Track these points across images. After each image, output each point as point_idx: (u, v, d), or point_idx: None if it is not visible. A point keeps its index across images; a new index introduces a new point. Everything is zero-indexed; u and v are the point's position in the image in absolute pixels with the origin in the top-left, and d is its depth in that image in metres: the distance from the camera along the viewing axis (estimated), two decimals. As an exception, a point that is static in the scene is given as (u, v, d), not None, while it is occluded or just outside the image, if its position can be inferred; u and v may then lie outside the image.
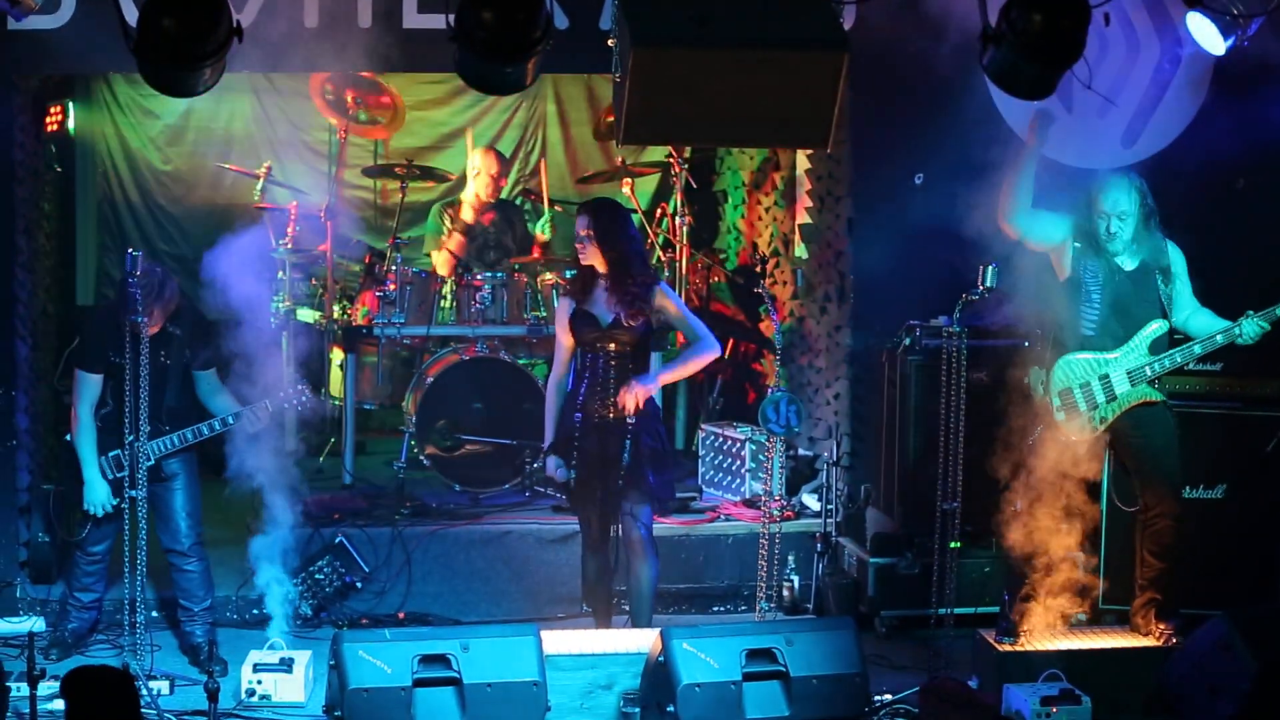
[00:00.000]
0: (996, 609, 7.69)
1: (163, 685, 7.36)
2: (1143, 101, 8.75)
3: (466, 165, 10.42)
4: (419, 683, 6.80)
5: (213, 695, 6.61)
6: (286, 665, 7.39)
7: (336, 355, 10.10)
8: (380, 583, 8.56)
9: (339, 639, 6.87)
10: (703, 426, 9.71)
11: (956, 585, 7.73)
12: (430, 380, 9.47)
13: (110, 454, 7.69)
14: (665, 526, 8.59)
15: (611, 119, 9.56)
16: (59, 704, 6.22)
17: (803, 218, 9.70)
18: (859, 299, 8.95)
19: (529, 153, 11.75)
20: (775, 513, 8.06)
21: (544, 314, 9.64)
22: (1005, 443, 7.56)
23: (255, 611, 8.28)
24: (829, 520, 8.80)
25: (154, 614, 8.21)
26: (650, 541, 7.58)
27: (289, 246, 10.11)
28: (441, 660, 6.85)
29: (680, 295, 9.96)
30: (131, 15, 6.28)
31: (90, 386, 7.67)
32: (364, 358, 9.98)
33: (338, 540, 8.54)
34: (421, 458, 9.42)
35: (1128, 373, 7.48)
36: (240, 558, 8.17)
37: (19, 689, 6.91)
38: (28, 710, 6.54)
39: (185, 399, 7.77)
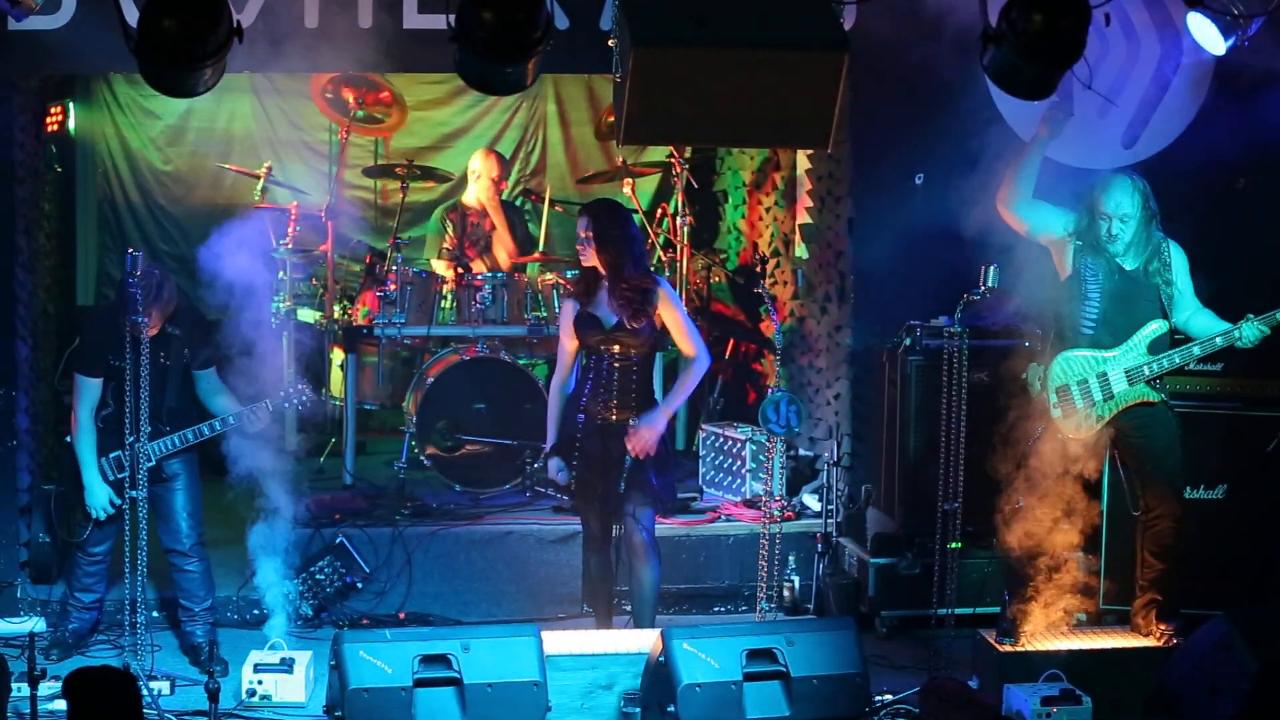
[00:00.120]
0: (997, 609, 7.69)
1: (163, 685, 7.36)
2: (1143, 102, 8.75)
3: (467, 168, 10.43)
4: (420, 683, 6.80)
5: (213, 695, 6.61)
6: (287, 665, 7.39)
7: (337, 355, 10.10)
8: (381, 583, 8.56)
9: (340, 639, 6.87)
10: (703, 427, 9.71)
11: (957, 585, 7.73)
12: (431, 380, 9.47)
13: (111, 455, 7.69)
14: (666, 527, 8.59)
15: (612, 119, 9.57)
16: (60, 704, 6.24)
17: (803, 218, 9.70)
18: (859, 299, 8.95)
19: (529, 153, 11.77)
20: (776, 513, 8.05)
21: (544, 314, 9.64)
22: (1006, 443, 7.56)
23: (256, 611, 8.28)
24: (829, 520, 8.80)
25: (155, 614, 8.22)
26: (652, 543, 7.58)
27: (289, 246, 10.12)
28: (442, 660, 6.85)
29: (680, 295, 9.97)
30: (132, 15, 6.29)
31: (90, 390, 7.67)
32: (364, 358, 9.99)
33: (338, 540, 8.54)
34: (422, 458, 9.42)
35: (1126, 372, 7.48)
36: (241, 558, 8.17)
37: (20, 689, 6.91)
38: (28, 710, 6.54)
39: (185, 399, 7.77)
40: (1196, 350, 7.48)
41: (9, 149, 8.43)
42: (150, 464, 7.61)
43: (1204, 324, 7.51)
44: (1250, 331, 7.38)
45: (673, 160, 10.44)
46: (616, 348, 7.50)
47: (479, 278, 9.72)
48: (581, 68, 9.90)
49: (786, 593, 8.63)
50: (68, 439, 7.83)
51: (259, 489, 7.85)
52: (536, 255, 10.31)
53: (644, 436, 7.42)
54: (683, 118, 6.20)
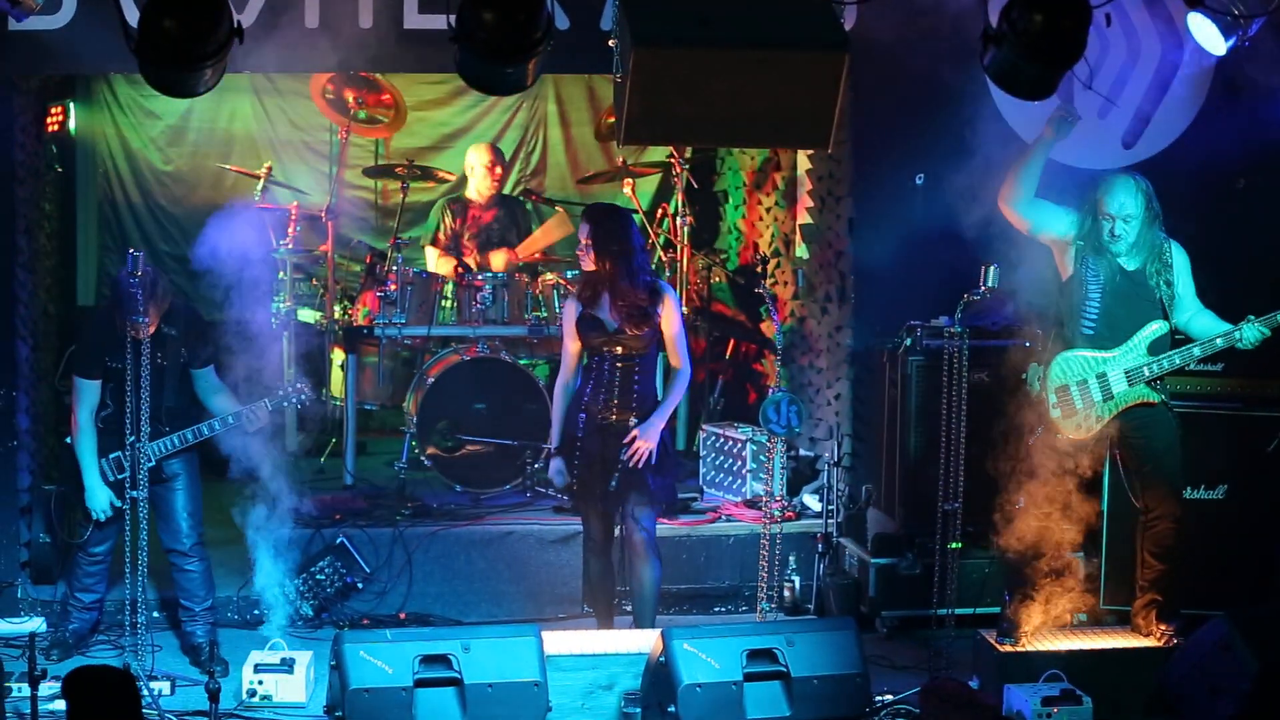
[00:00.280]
0: (997, 609, 7.70)
1: (164, 685, 7.36)
2: (1143, 102, 8.75)
3: (465, 165, 10.46)
4: (420, 683, 6.80)
5: (214, 695, 6.60)
6: (288, 665, 7.38)
7: (337, 356, 10.11)
8: (381, 583, 8.56)
9: (340, 639, 6.87)
10: (704, 427, 9.71)
11: (957, 586, 7.72)
12: (431, 381, 9.47)
13: (111, 456, 7.69)
14: (666, 527, 8.59)
15: (612, 119, 9.57)
16: (60, 704, 6.24)
17: (803, 218, 9.70)
18: (860, 299, 8.95)
19: (530, 153, 11.77)
20: (776, 513, 8.05)
21: (545, 314, 9.64)
22: (1006, 443, 7.56)
23: (256, 612, 8.28)
24: (830, 521, 8.80)
25: (155, 614, 8.21)
26: (652, 544, 7.58)
27: (290, 247, 10.12)
28: (442, 660, 6.85)
29: (680, 295, 9.98)
30: (132, 16, 6.30)
31: (89, 392, 7.67)
32: (365, 358, 9.99)
33: (339, 541, 8.54)
34: (422, 458, 9.42)
35: (1126, 372, 7.48)
36: (241, 558, 8.17)
37: (20, 689, 6.91)
38: (29, 710, 6.54)
39: (183, 399, 7.76)
40: (1197, 351, 7.48)
41: (9, 149, 8.43)
42: (150, 464, 7.61)
43: (1204, 325, 7.50)
44: (1251, 332, 7.37)
45: (673, 160, 10.45)
46: (619, 349, 7.49)
47: (479, 277, 9.72)
48: (582, 68, 9.90)
49: (787, 593, 8.63)
50: (68, 440, 7.83)
51: (259, 489, 7.85)
52: (537, 252, 10.30)
53: (640, 445, 7.42)
54: (683, 118, 6.20)
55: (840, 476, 8.97)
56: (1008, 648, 7.42)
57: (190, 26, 5.79)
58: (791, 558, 8.69)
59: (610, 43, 6.32)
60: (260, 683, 7.33)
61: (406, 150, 10.96)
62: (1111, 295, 7.48)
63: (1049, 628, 7.56)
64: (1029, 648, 7.43)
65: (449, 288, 9.72)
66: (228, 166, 10.68)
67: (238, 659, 7.62)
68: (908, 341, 8.41)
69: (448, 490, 9.39)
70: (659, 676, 6.91)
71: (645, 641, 7.16)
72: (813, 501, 9.04)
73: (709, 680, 6.83)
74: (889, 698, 7.33)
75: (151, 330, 7.55)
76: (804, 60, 6.13)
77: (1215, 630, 7.14)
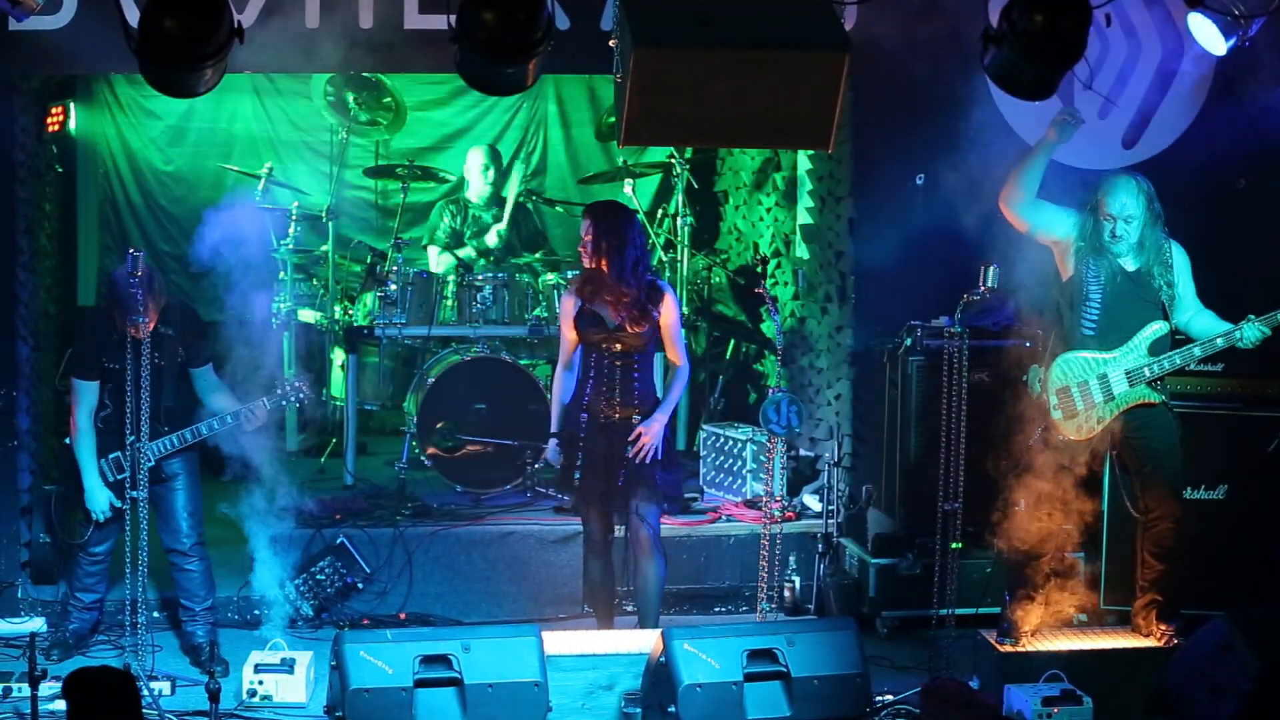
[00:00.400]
0: (998, 609, 7.69)
1: (164, 686, 7.36)
2: (1144, 102, 8.75)
3: (464, 167, 10.48)
4: (420, 683, 6.80)
5: (214, 696, 6.60)
6: (288, 666, 7.38)
7: (338, 356, 10.11)
8: (382, 583, 8.55)
9: (340, 639, 6.87)
10: (704, 427, 9.71)
11: (958, 586, 7.72)
12: (431, 381, 9.47)
13: (110, 456, 7.68)
14: (667, 527, 8.56)
15: (613, 119, 9.57)
16: (60, 704, 6.23)
17: (804, 218, 9.70)
18: (860, 299, 8.94)
19: (530, 153, 11.77)
20: (776, 513, 8.05)
21: (545, 314, 9.64)
22: (1006, 443, 7.56)
23: (256, 612, 8.28)
24: (830, 521, 8.80)
25: (155, 614, 8.21)
26: (658, 540, 7.58)
27: (290, 247, 10.12)
28: (443, 661, 6.85)
29: (681, 296, 9.99)
30: (133, 16, 6.30)
31: (87, 393, 7.67)
32: (365, 358, 9.99)
33: (339, 541, 8.54)
34: (423, 458, 9.42)
35: (1126, 373, 7.48)
36: (241, 558, 8.17)
37: (20, 689, 6.91)
38: (29, 710, 6.54)
39: (182, 399, 7.75)
40: (1197, 351, 7.48)
41: (10, 149, 8.43)
42: (149, 464, 7.60)
43: (1205, 325, 7.50)
44: (1251, 332, 7.37)
45: (673, 161, 10.45)
46: (619, 346, 7.49)
47: (480, 277, 9.72)
48: (582, 68, 9.90)
49: (787, 593, 8.63)
50: (67, 441, 7.83)
51: (259, 488, 7.85)
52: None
53: (645, 441, 7.43)
54: (684, 118, 6.20)
55: (840, 476, 8.96)
56: (1008, 648, 7.42)
57: (191, 26, 5.79)
58: (792, 558, 8.69)
59: (610, 43, 6.32)
60: (260, 683, 7.33)
61: (407, 150, 10.96)
62: (1112, 296, 7.48)
63: (1049, 628, 7.57)
64: (1029, 648, 7.43)
65: (449, 288, 9.73)
66: (228, 166, 10.68)
67: (238, 659, 7.62)
68: (908, 341, 8.41)
69: (448, 490, 9.39)
70: (659, 677, 6.91)
71: (645, 642, 7.16)
72: (813, 502, 9.04)
73: (709, 680, 6.83)
74: (889, 698, 7.33)
75: (151, 327, 7.54)
76: (804, 60, 6.13)
77: (1215, 630, 7.14)
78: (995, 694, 7.20)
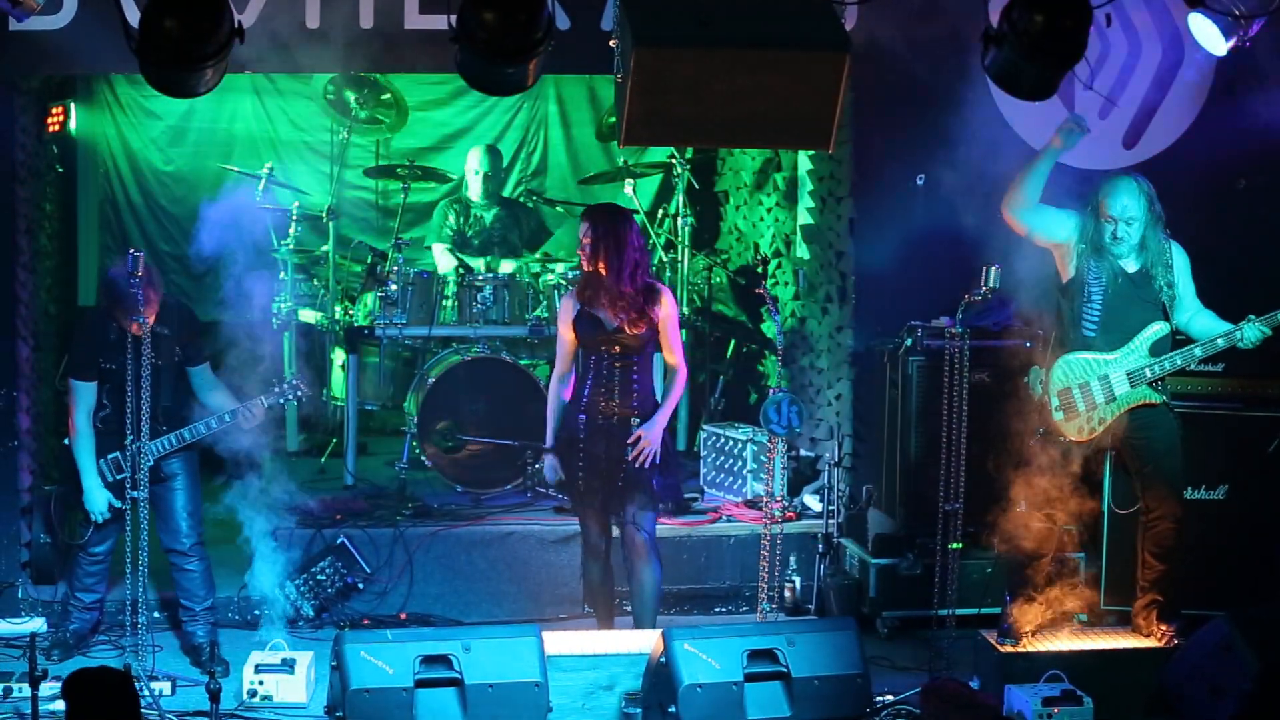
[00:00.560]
0: (998, 610, 7.69)
1: (164, 686, 7.36)
2: (1144, 102, 8.75)
3: (465, 168, 10.49)
4: (421, 683, 6.80)
5: (214, 696, 6.61)
6: (288, 666, 7.38)
7: (338, 356, 10.11)
8: (382, 583, 8.56)
9: (341, 639, 6.87)
10: (704, 427, 9.71)
11: (958, 586, 7.72)
12: (432, 381, 9.47)
13: (109, 456, 7.68)
14: (667, 528, 8.59)
15: (613, 120, 9.57)
16: (60, 705, 6.23)
17: (804, 218, 9.70)
18: (860, 300, 8.94)
19: (531, 153, 11.77)
20: (777, 513, 8.05)
21: (545, 315, 9.64)
22: (1007, 443, 7.56)
23: (257, 612, 8.28)
24: (830, 521, 8.80)
25: (155, 614, 8.21)
26: (653, 545, 7.57)
27: (290, 247, 10.12)
28: (443, 661, 6.85)
29: (681, 296, 9.98)
30: (133, 16, 6.30)
31: (85, 394, 7.66)
32: (366, 358, 9.99)
33: (339, 541, 8.54)
34: (423, 458, 9.42)
35: (1127, 374, 7.48)
36: (241, 558, 8.17)
37: (20, 689, 6.91)
38: (29, 711, 6.54)
39: (179, 398, 7.75)
40: (1198, 351, 7.48)
41: (10, 149, 8.43)
42: (149, 464, 7.60)
43: (1205, 325, 7.50)
44: (1251, 332, 7.37)
45: (674, 161, 10.45)
46: (617, 347, 7.49)
47: (480, 278, 9.72)
48: (583, 68, 9.90)
49: (787, 593, 8.63)
50: (67, 441, 7.83)
51: (259, 488, 7.85)
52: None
53: (645, 444, 7.43)
54: (684, 118, 6.20)
55: (841, 477, 8.96)
56: (1008, 648, 7.42)
57: (191, 26, 5.79)
58: (792, 558, 8.69)
59: (611, 43, 6.32)
60: (261, 683, 7.33)
61: (407, 150, 10.96)
62: (1113, 297, 7.48)
63: (1049, 628, 7.56)
64: (1030, 648, 7.43)
65: (450, 288, 9.73)
66: (228, 166, 10.68)
67: (238, 659, 7.62)
68: (908, 342, 8.41)
69: (448, 490, 9.40)
70: (660, 677, 6.91)
71: (646, 642, 7.16)
72: (813, 502, 9.04)
73: (710, 681, 6.83)
74: (890, 698, 7.33)
75: (150, 324, 7.53)
76: (805, 60, 6.13)
77: (1216, 630, 7.14)
78: (996, 694, 7.20)
